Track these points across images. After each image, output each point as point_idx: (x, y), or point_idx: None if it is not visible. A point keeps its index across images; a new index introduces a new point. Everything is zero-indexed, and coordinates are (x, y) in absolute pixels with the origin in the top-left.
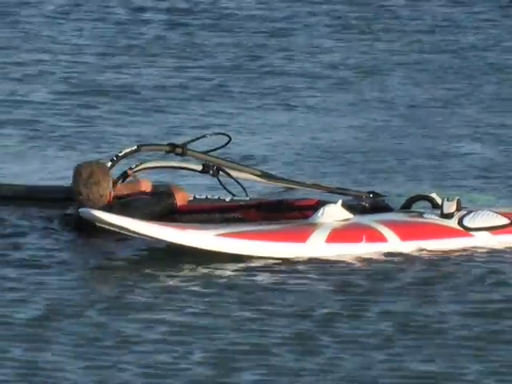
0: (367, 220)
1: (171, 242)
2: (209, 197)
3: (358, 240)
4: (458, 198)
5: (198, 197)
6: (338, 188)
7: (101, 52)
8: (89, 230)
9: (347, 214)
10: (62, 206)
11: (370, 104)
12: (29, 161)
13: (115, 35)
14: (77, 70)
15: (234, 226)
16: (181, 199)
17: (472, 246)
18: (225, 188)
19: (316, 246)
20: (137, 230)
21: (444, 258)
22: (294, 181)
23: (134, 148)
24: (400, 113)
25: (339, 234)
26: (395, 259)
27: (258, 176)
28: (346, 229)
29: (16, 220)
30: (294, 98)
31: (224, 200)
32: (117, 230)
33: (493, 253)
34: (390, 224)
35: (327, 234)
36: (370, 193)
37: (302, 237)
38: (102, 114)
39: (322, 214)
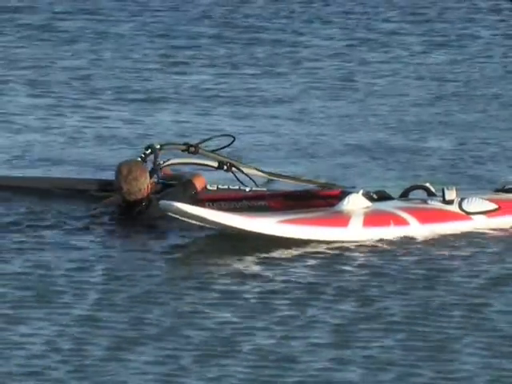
0: (385, 207)
1: (240, 228)
2: (230, 187)
3: (387, 224)
4: (455, 186)
5: (220, 187)
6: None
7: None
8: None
9: (367, 202)
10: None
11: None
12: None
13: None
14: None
15: (291, 214)
16: (200, 184)
17: (473, 227)
18: (239, 181)
19: (356, 230)
20: (212, 218)
21: (460, 238)
22: (282, 175)
23: (157, 147)
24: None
25: (372, 219)
26: (419, 240)
27: (257, 170)
28: (374, 215)
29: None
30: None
31: (244, 190)
32: (189, 220)
33: (491, 233)
34: (407, 210)
35: (362, 219)
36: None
37: (343, 222)
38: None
39: (348, 202)
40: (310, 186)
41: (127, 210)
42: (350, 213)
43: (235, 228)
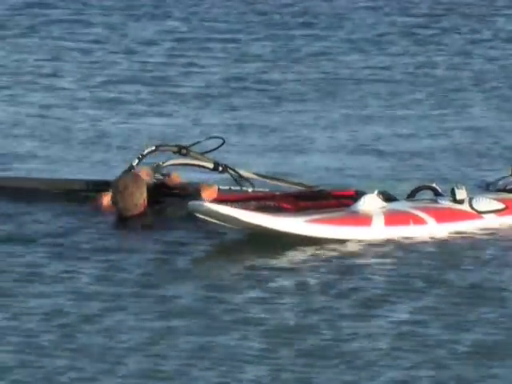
0: (401, 206)
1: (270, 228)
2: (232, 188)
3: (407, 223)
4: (464, 186)
5: (221, 187)
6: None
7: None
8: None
9: (382, 202)
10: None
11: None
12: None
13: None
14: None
15: (318, 213)
16: (209, 196)
17: (485, 226)
18: (237, 182)
19: (379, 229)
20: (242, 218)
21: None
22: (275, 177)
23: (153, 148)
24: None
25: (392, 219)
26: (436, 238)
27: (251, 173)
28: (394, 214)
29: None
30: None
31: (247, 191)
32: (216, 220)
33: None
34: (423, 209)
35: (383, 218)
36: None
37: (366, 221)
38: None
39: (364, 203)
40: (300, 189)
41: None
42: (370, 212)
43: (264, 227)
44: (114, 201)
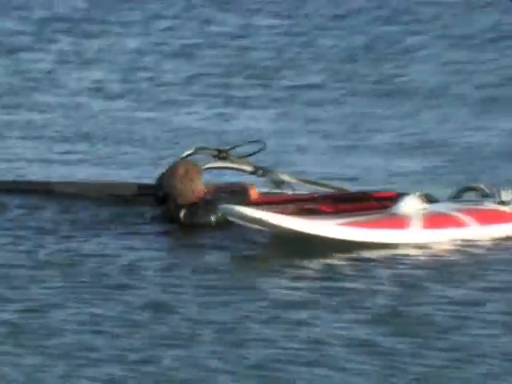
0: (443, 208)
1: (300, 231)
2: (271, 191)
3: (447, 226)
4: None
5: (260, 191)
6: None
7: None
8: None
9: (423, 204)
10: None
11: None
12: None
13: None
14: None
15: (350, 216)
16: (253, 195)
17: None
18: (276, 185)
19: (416, 232)
20: (273, 221)
21: None
22: (316, 182)
23: (192, 150)
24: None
25: (431, 221)
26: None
27: (289, 177)
28: (433, 216)
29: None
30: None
31: (286, 194)
32: (248, 223)
33: None
34: (465, 211)
35: (422, 221)
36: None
37: (403, 224)
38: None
39: (405, 204)
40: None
41: (175, 212)
42: (409, 215)
43: (295, 231)
44: (170, 185)
